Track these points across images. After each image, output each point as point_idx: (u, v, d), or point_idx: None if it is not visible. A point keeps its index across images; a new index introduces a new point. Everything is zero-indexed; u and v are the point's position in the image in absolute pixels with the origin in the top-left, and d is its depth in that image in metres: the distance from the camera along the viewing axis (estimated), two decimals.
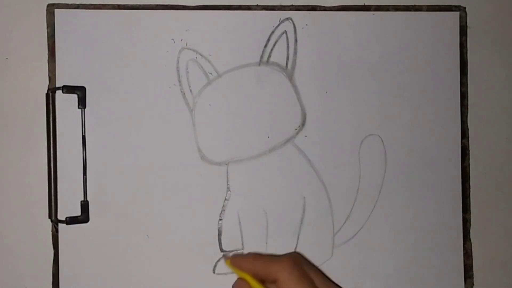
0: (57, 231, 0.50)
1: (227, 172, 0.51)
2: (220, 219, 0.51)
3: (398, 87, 0.53)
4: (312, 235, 0.52)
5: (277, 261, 0.44)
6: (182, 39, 0.51)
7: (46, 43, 0.50)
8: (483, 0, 0.54)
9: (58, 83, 0.50)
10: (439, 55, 0.53)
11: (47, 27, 0.50)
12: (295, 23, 0.52)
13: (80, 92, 0.50)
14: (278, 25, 0.52)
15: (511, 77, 0.54)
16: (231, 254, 0.50)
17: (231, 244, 0.51)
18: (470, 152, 0.53)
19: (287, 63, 0.52)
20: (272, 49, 0.52)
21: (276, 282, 0.43)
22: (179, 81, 0.51)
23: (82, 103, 0.50)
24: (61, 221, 0.49)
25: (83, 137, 0.50)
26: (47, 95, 0.50)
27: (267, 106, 0.51)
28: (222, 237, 0.51)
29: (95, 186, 0.50)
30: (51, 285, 0.50)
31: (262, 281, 0.44)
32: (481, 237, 0.53)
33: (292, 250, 0.51)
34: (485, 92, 0.54)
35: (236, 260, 0.45)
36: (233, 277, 0.51)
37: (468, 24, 0.53)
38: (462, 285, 0.52)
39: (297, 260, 0.44)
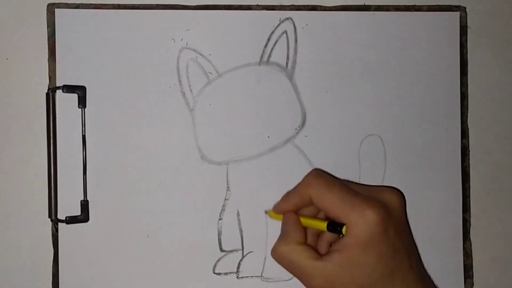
0: (57, 230, 0.50)
1: (227, 172, 0.51)
2: (220, 219, 0.51)
3: (398, 87, 0.53)
4: None
5: (302, 182, 0.47)
6: (182, 39, 0.51)
7: (47, 43, 0.50)
8: (483, 0, 0.54)
9: (59, 83, 0.50)
10: (439, 55, 0.53)
11: (48, 27, 0.50)
12: (295, 23, 0.52)
13: (80, 91, 0.50)
14: (278, 25, 0.52)
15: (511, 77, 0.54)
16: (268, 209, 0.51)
17: (231, 244, 0.51)
18: (470, 152, 0.53)
19: (287, 63, 0.52)
20: (272, 49, 0.52)
21: (311, 200, 0.46)
22: (179, 81, 0.51)
23: (82, 102, 0.50)
24: (61, 221, 0.49)
25: (83, 137, 0.50)
26: (47, 94, 0.50)
27: (267, 106, 0.51)
28: (222, 237, 0.51)
29: (95, 185, 0.50)
30: (50, 285, 0.50)
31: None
32: (481, 237, 0.53)
33: None
34: (485, 92, 0.54)
35: (276, 208, 0.48)
36: (233, 277, 0.51)
37: (468, 24, 0.53)
38: (462, 285, 0.52)
39: (318, 172, 0.47)
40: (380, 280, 0.43)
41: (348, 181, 0.50)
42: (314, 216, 0.48)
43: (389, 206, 0.44)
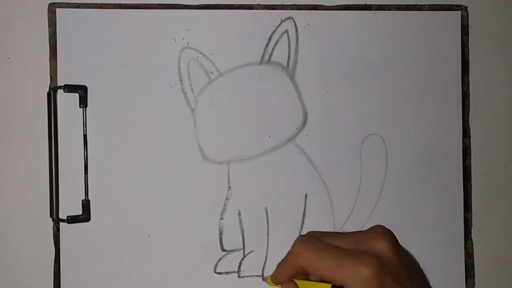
0: (58, 230, 0.50)
1: (228, 171, 0.51)
2: (221, 218, 0.51)
3: (400, 86, 0.52)
4: None
5: (289, 253, 0.46)
6: (183, 38, 0.51)
7: (48, 42, 0.50)
8: None
9: (60, 82, 0.50)
10: (440, 54, 0.53)
11: (49, 26, 0.50)
12: (296, 22, 0.52)
13: (81, 91, 0.50)
14: (280, 24, 0.52)
15: None
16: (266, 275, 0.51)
17: (232, 243, 0.51)
18: (472, 151, 0.53)
19: (288, 62, 0.52)
20: (273, 49, 0.52)
21: (304, 270, 0.45)
22: (180, 80, 0.51)
23: (83, 102, 0.50)
24: (63, 220, 0.49)
25: (85, 136, 0.50)
26: (48, 94, 0.50)
27: (268, 105, 0.51)
28: (223, 236, 0.51)
29: (97, 185, 0.50)
30: (52, 284, 0.50)
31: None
32: (482, 236, 0.53)
33: None
34: (486, 91, 0.54)
35: (274, 277, 0.47)
36: (235, 276, 0.51)
37: (469, 24, 0.53)
38: (463, 284, 0.52)
39: (303, 239, 0.46)
40: None
41: (335, 233, 0.50)
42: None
43: (380, 254, 0.44)
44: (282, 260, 0.47)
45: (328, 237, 0.46)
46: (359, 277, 0.42)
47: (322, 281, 0.45)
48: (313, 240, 0.45)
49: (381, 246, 0.45)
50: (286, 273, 0.46)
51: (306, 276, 0.46)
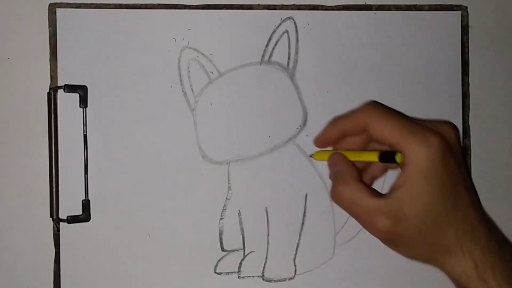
0: (58, 230, 0.50)
1: (228, 172, 0.51)
2: (221, 218, 0.51)
3: (399, 86, 0.52)
4: (313, 235, 0.52)
5: (359, 110, 0.46)
6: (183, 38, 0.51)
7: (48, 42, 0.50)
8: None
9: (60, 82, 0.50)
10: (440, 54, 0.53)
11: (49, 26, 0.50)
12: (296, 22, 0.52)
13: (81, 91, 0.50)
14: (280, 24, 0.52)
15: None
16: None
17: (232, 243, 0.51)
18: (472, 151, 0.53)
19: (288, 63, 0.52)
20: (273, 49, 0.52)
21: (367, 128, 0.45)
22: (181, 80, 0.51)
23: (83, 102, 0.50)
24: (63, 220, 0.49)
25: (85, 136, 0.50)
26: (48, 94, 0.50)
27: (268, 105, 0.51)
28: (223, 236, 0.51)
29: (97, 185, 0.50)
30: (52, 284, 0.50)
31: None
32: None
33: (293, 249, 0.51)
34: (486, 91, 0.54)
35: (321, 137, 0.48)
36: (235, 277, 0.51)
37: (469, 24, 0.53)
38: None
39: (376, 103, 0.47)
40: (443, 213, 0.42)
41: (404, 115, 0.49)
42: (360, 148, 0.47)
43: (448, 136, 0.44)
44: (339, 116, 0.48)
45: (397, 112, 0.47)
46: (426, 147, 0.42)
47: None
48: (384, 106, 0.46)
49: (449, 129, 0.45)
50: (340, 128, 0.46)
51: (354, 142, 0.46)
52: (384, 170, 0.48)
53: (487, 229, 0.44)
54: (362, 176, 0.48)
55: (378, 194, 0.44)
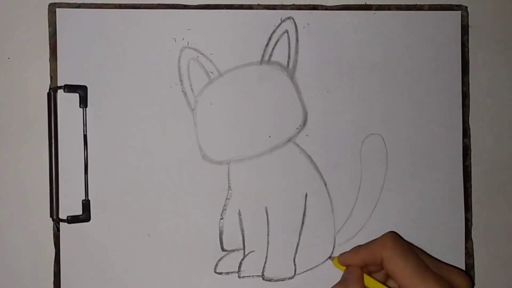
0: (58, 230, 0.50)
1: (228, 171, 0.51)
2: (221, 218, 0.51)
3: (400, 86, 0.52)
4: (313, 234, 0.52)
5: (377, 241, 0.46)
6: (183, 38, 0.51)
7: (48, 42, 0.50)
8: None
9: (60, 82, 0.50)
10: (440, 54, 0.53)
11: (49, 26, 0.50)
12: (296, 22, 0.52)
13: (81, 91, 0.50)
14: (280, 24, 0.52)
15: None
16: (335, 255, 0.51)
17: (232, 243, 0.51)
18: (472, 151, 0.53)
19: (288, 62, 0.52)
20: (273, 48, 0.52)
21: (382, 262, 0.45)
22: (180, 80, 0.51)
23: (83, 102, 0.50)
24: (63, 220, 0.49)
25: (85, 136, 0.50)
26: (48, 94, 0.50)
27: (268, 105, 0.51)
28: (223, 236, 0.51)
29: (97, 185, 0.50)
30: (52, 284, 0.50)
31: (369, 272, 0.47)
32: (482, 236, 0.53)
33: (293, 249, 0.51)
34: (486, 91, 0.54)
35: (343, 257, 0.48)
36: (235, 276, 0.51)
37: (469, 24, 0.53)
38: None
39: (395, 236, 0.46)
40: None
41: (421, 250, 0.48)
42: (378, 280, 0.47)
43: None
44: (362, 245, 0.47)
45: (415, 248, 0.46)
46: None
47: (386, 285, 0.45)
48: (403, 241, 0.45)
49: (461, 283, 0.44)
50: (361, 258, 0.46)
51: (374, 270, 0.47)
52: None
53: None
54: None
55: None
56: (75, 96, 0.50)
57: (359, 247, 0.48)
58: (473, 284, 0.45)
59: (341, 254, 0.49)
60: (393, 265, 0.44)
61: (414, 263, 0.43)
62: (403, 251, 0.44)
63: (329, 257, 0.51)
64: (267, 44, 0.52)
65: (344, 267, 0.48)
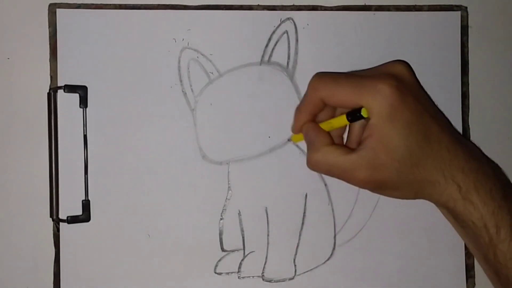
0: (58, 230, 0.50)
1: (228, 172, 0.51)
2: (221, 219, 0.51)
3: None
4: (313, 235, 0.52)
5: (308, 91, 0.47)
6: (183, 39, 0.51)
7: (48, 43, 0.50)
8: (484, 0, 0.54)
9: (60, 83, 0.50)
10: (440, 55, 0.53)
11: (49, 27, 0.50)
12: (296, 23, 0.52)
13: (81, 91, 0.50)
14: (279, 25, 0.52)
15: None
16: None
17: (232, 244, 0.51)
18: None
19: (288, 63, 0.52)
20: (273, 49, 0.52)
21: (323, 101, 0.46)
22: (180, 81, 0.51)
23: (83, 102, 0.50)
24: (63, 220, 0.49)
25: (85, 136, 0.50)
26: (48, 94, 0.50)
27: (268, 105, 0.51)
28: (223, 237, 0.51)
29: (97, 185, 0.50)
30: (52, 284, 0.50)
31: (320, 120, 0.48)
32: None
33: (293, 249, 0.51)
34: (486, 92, 0.54)
35: (292, 126, 0.49)
36: (235, 277, 0.51)
37: (469, 24, 0.53)
38: (464, 285, 0.52)
39: (317, 74, 0.48)
40: (417, 149, 0.43)
41: (351, 71, 0.50)
42: (331, 118, 0.48)
43: (399, 75, 0.45)
44: (299, 103, 0.49)
45: (343, 73, 0.47)
46: (379, 95, 0.43)
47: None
48: (329, 73, 0.47)
49: (398, 68, 0.46)
50: (306, 112, 0.47)
51: (325, 117, 0.48)
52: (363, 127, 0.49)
53: (465, 150, 0.45)
54: (346, 143, 0.49)
55: (350, 151, 0.45)
56: (75, 96, 0.50)
57: (298, 106, 0.49)
58: (410, 67, 0.47)
59: (292, 129, 0.50)
60: (334, 97, 0.45)
61: (348, 81, 0.45)
62: (334, 80, 0.45)
63: (288, 140, 0.51)
64: (267, 45, 0.52)
65: (302, 135, 0.48)
